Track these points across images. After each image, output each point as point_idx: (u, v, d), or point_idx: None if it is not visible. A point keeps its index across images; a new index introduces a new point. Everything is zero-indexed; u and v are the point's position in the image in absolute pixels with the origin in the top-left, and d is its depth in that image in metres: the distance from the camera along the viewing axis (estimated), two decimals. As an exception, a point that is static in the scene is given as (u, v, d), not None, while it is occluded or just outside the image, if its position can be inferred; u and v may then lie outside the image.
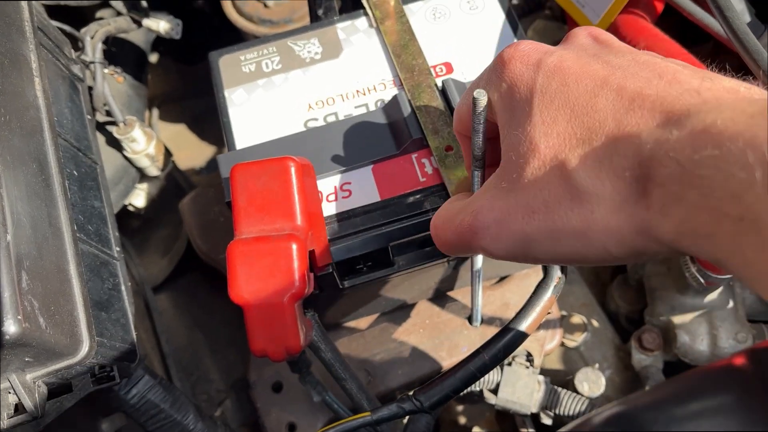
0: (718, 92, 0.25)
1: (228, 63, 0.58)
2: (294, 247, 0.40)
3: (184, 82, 1.25)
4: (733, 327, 0.64)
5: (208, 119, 1.23)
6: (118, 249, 0.51)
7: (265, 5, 0.89)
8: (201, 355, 0.79)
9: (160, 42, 1.02)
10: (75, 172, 0.47)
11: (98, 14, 0.80)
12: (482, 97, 0.33)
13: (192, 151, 1.21)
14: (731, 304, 0.64)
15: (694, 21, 0.61)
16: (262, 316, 0.40)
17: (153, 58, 1.18)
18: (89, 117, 0.55)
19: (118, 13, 0.76)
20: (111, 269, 0.48)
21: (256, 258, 0.40)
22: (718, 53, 0.71)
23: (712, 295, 0.64)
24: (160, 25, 0.68)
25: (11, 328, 0.34)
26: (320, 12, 0.61)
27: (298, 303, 0.41)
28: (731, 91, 0.25)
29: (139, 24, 0.71)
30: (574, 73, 0.29)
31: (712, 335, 0.64)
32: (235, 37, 0.93)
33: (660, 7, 0.67)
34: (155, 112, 1.20)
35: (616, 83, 0.27)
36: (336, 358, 0.50)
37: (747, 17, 0.59)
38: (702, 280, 0.58)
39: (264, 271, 0.40)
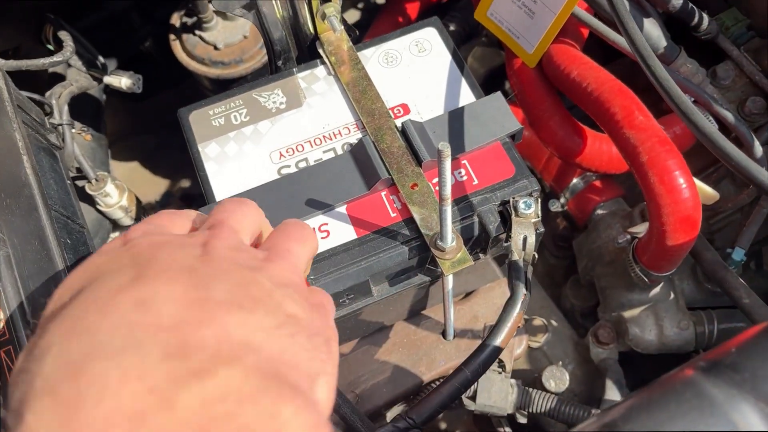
0: None
1: (198, 118, 0.61)
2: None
3: (133, 119, 1.26)
4: (676, 316, 0.71)
5: (159, 155, 1.24)
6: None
7: (216, 48, 0.92)
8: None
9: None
10: (68, 240, 0.50)
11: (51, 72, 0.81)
12: (446, 149, 0.40)
13: (147, 188, 1.22)
14: (672, 296, 0.72)
15: (613, 45, 0.68)
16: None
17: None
18: (69, 182, 0.58)
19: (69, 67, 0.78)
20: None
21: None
22: (634, 67, 0.79)
23: (655, 290, 0.71)
24: (122, 81, 0.71)
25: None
26: (279, 63, 0.65)
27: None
28: None
29: (99, 81, 0.73)
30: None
31: (659, 326, 0.71)
32: (183, 73, 0.95)
33: (585, 32, 0.74)
34: (107, 152, 1.21)
35: None
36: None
37: (663, 42, 0.66)
38: (645, 279, 0.65)
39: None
